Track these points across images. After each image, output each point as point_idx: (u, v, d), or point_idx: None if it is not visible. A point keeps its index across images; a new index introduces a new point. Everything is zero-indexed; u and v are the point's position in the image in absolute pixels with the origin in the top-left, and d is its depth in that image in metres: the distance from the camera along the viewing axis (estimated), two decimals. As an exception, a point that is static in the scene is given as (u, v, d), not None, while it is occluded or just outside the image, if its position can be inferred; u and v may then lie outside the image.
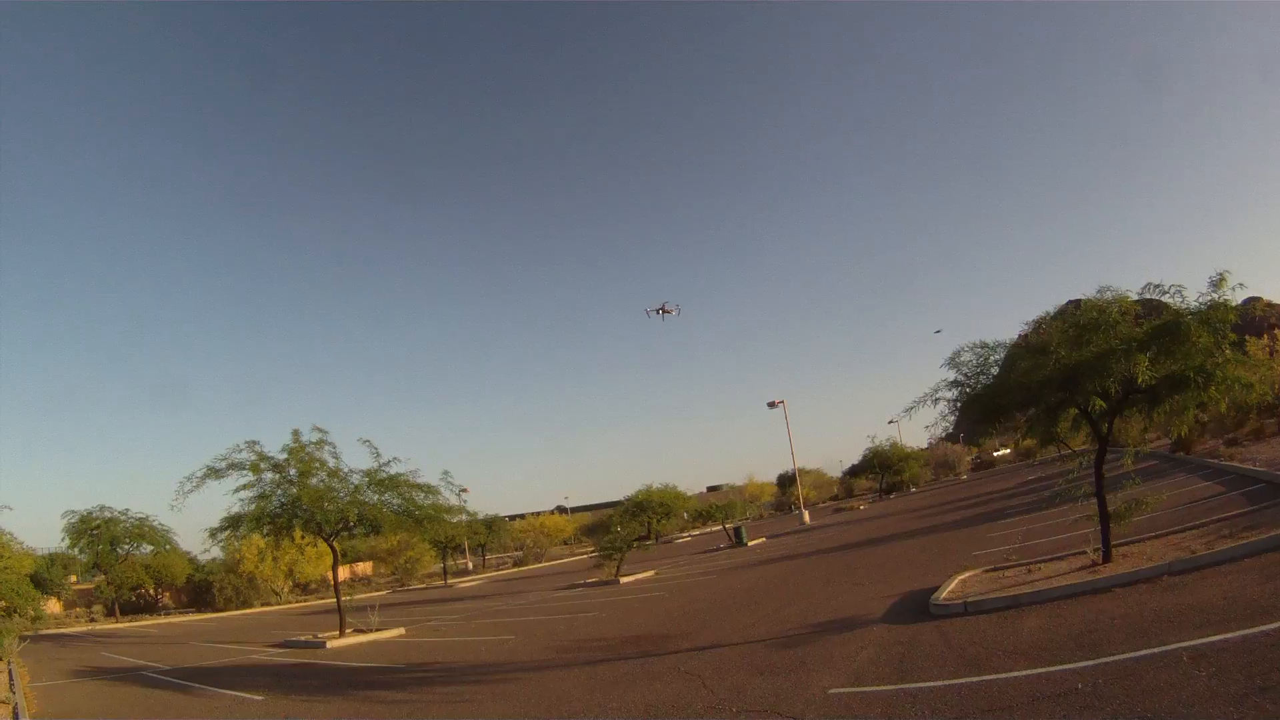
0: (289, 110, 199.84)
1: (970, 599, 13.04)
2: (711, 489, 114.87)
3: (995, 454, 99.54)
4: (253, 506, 24.88)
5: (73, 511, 47.89)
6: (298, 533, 27.01)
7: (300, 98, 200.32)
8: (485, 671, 15.56)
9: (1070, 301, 16.08)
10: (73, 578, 53.28)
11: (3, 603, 16.93)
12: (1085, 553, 14.37)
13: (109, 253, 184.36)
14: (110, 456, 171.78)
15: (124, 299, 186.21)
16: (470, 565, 72.74)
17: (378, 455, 26.34)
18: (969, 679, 8.50)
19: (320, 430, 26.05)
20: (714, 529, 66.28)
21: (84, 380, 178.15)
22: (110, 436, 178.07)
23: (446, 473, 27.90)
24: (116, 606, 49.35)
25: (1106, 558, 13.68)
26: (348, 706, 13.67)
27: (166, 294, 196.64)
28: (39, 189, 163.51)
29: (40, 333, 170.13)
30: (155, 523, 50.79)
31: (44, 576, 45.91)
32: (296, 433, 25.72)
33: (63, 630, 41.69)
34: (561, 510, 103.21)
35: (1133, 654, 8.07)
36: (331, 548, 27.64)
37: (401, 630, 25.36)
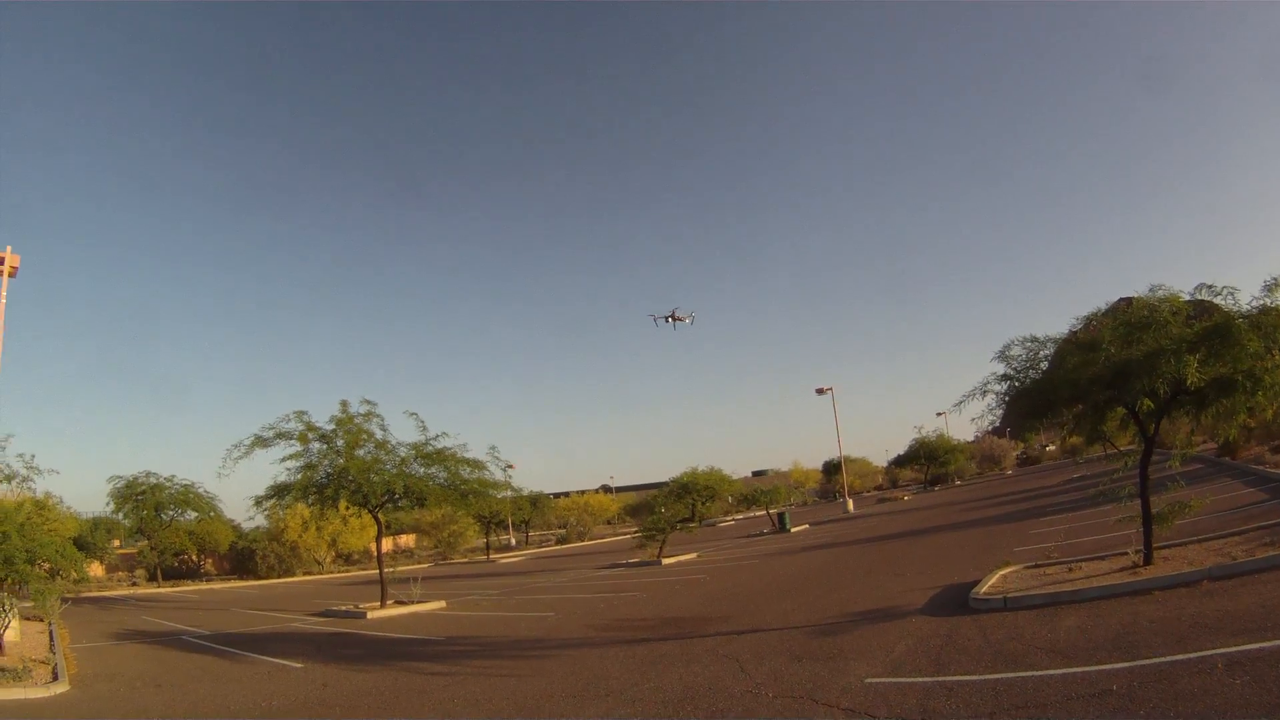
0: (338, 89, 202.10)
1: (1010, 595, 12.98)
2: (757, 474, 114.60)
3: (1042, 450, 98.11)
4: (299, 476, 24.89)
5: (119, 477, 47.78)
6: (343, 504, 26.95)
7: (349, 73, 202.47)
8: (524, 647, 15.69)
9: (1122, 299, 15.78)
10: (116, 542, 53.44)
11: (46, 565, 17.33)
12: (1127, 554, 14.22)
13: (165, 226, 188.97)
14: (157, 426, 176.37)
15: (167, 274, 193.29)
16: (513, 541, 72.73)
17: (425, 429, 26.28)
18: (1005, 675, 8.48)
19: (369, 403, 26.11)
20: (758, 514, 65.93)
21: (132, 351, 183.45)
22: (157, 406, 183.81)
23: (494, 448, 27.96)
24: (159, 571, 49.78)
25: (1148, 560, 13.51)
26: (386, 676, 13.75)
27: (214, 271, 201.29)
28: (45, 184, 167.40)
29: (93, 302, 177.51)
30: (201, 490, 50.50)
31: (87, 540, 46.29)
32: (345, 404, 25.80)
33: (104, 594, 41.96)
34: (606, 489, 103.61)
35: (1168, 658, 8.02)
36: (376, 519, 27.72)
37: (442, 603, 25.34)
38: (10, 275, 25.20)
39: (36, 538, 16.60)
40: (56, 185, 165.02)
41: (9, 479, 18.63)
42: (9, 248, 25.17)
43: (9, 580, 16.32)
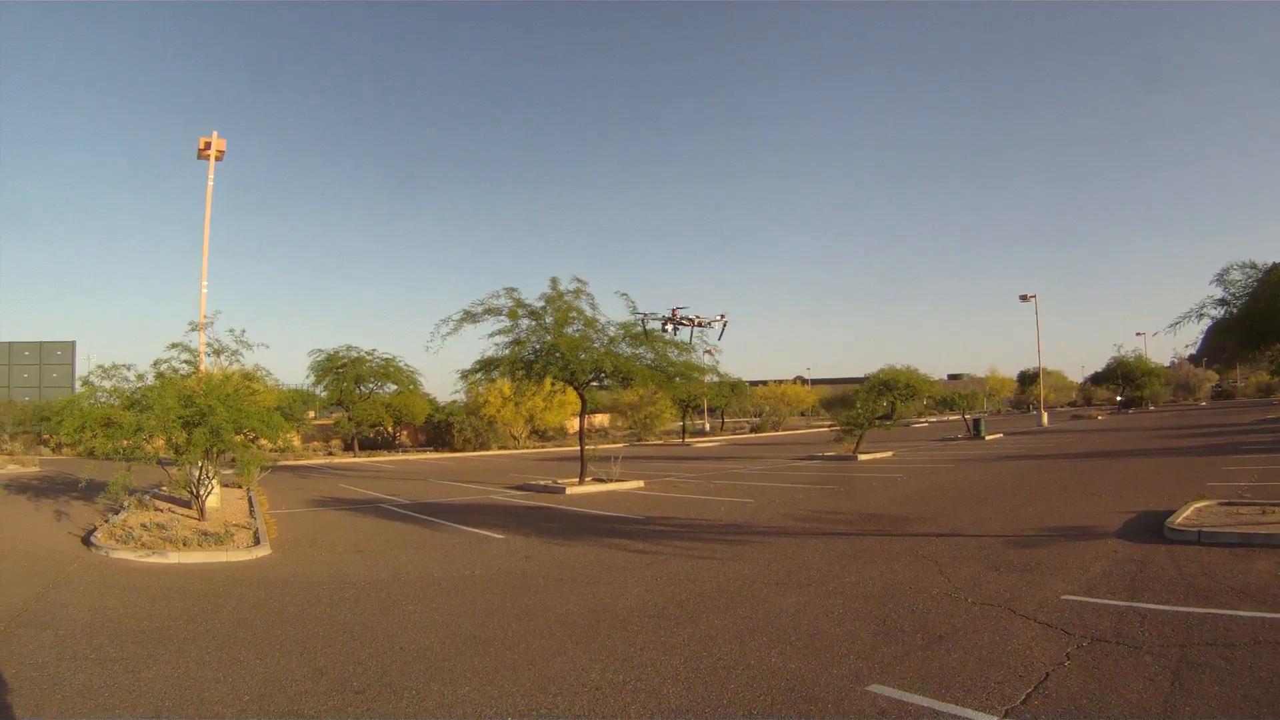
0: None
1: (1205, 529, 12.43)
2: (953, 377, 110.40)
3: (1235, 385, 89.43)
4: (507, 352, 24.24)
5: (319, 350, 48.01)
6: (547, 381, 26.34)
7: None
8: (723, 531, 15.33)
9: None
10: (311, 413, 51.88)
11: (251, 434, 17.50)
12: (1323, 504, 13.32)
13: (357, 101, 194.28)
14: (364, 303, 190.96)
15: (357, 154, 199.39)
16: (707, 426, 71.66)
17: (634, 309, 24.67)
18: (1196, 609, 8.26)
19: (579, 280, 24.89)
20: (951, 418, 63.76)
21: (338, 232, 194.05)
22: (363, 283, 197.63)
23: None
24: (355, 442, 49.25)
25: (1343, 513, 12.62)
26: (588, 551, 13.38)
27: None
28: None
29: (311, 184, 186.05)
30: (401, 363, 50.08)
31: (287, 411, 48.41)
32: (555, 281, 24.66)
33: (300, 462, 41.69)
34: (802, 381, 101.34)
35: (1360, 619, 7.59)
36: (581, 397, 27.40)
37: (640, 483, 24.60)
38: (218, 159, 24.91)
39: (242, 408, 16.79)
40: (260, 71, 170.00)
41: (219, 353, 18.93)
42: (214, 133, 24.76)
43: (215, 449, 16.48)
